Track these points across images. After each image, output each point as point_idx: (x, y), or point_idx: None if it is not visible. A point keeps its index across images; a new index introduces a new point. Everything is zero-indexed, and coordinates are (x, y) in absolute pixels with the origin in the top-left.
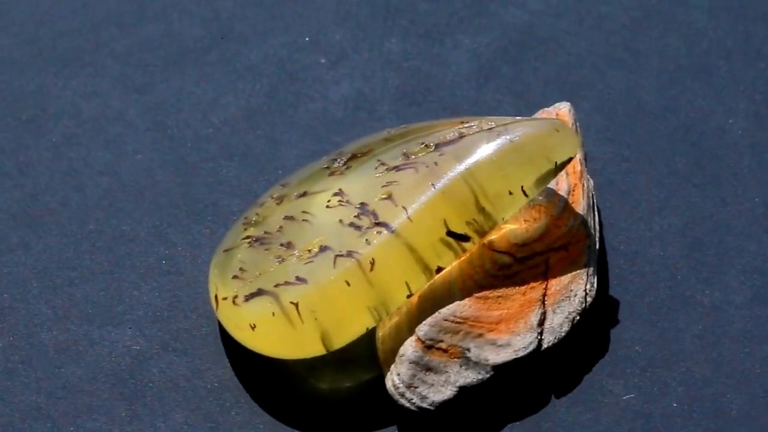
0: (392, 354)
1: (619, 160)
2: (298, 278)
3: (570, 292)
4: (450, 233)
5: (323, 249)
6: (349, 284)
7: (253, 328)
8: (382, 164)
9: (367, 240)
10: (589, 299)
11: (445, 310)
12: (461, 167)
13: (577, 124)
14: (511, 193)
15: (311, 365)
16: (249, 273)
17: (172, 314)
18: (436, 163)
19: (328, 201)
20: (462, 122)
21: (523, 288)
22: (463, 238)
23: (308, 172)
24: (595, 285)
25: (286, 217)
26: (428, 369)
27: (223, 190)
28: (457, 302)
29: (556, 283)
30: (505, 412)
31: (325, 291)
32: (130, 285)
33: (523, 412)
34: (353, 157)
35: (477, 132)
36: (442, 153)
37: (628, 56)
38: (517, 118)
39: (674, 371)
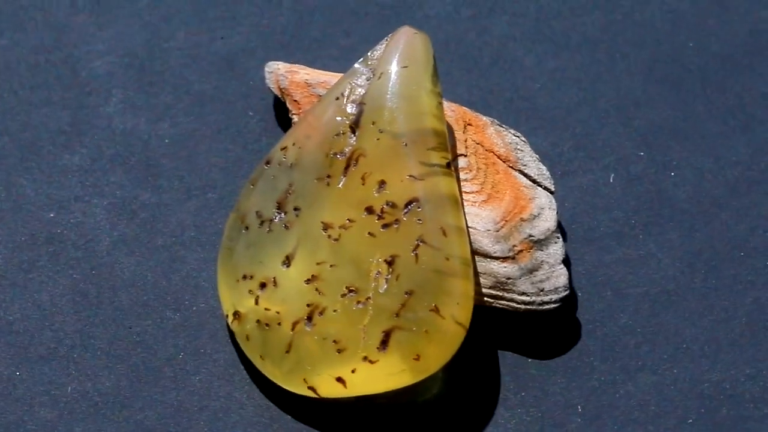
0: (489, 288)
1: None
2: (407, 293)
3: (511, 145)
4: (448, 164)
5: (392, 261)
6: (448, 259)
7: (417, 359)
8: (327, 177)
9: (418, 220)
10: (524, 139)
11: (487, 224)
12: (401, 116)
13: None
14: (440, 103)
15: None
16: (352, 335)
17: None
18: (380, 131)
19: (329, 236)
20: (337, 98)
21: (492, 169)
22: (454, 161)
23: (252, 253)
24: (511, 128)
25: (308, 281)
26: (531, 271)
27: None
28: (481, 213)
29: (498, 148)
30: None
31: (442, 281)
32: None
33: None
34: (281, 203)
35: (369, 86)
36: (372, 123)
37: None
38: (373, 54)
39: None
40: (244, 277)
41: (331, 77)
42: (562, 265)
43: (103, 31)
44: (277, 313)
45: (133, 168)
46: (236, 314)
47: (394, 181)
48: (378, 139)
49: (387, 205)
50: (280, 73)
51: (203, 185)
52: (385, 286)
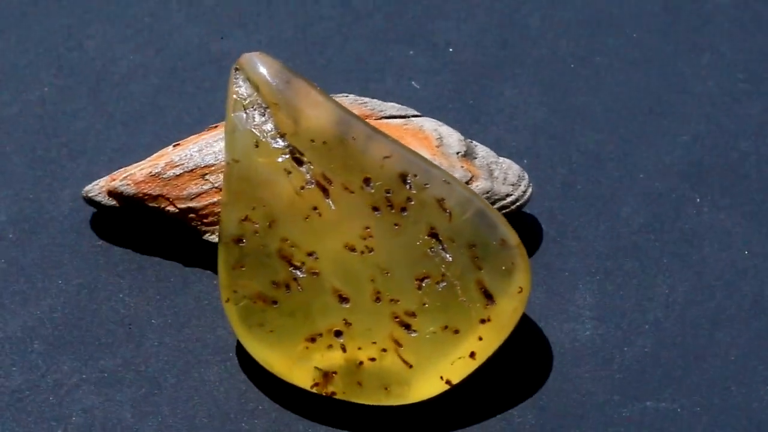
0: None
1: None
2: (471, 246)
3: (355, 103)
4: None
5: (433, 232)
6: (470, 200)
7: (521, 291)
8: (314, 210)
9: (425, 185)
10: (354, 95)
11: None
12: (324, 122)
13: None
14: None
15: None
16: (456, 312)
17: None
18: (324, 143)
19: (361, 253)
20: (257, 146)
21: (400, 123)
22: None
23: (301, 317)
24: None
25: (377, 300)
26: (491, 175)
27: None
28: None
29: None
30: None
31: (485, 219)
32: None
33: None
34: (291, 259)
35: (274, 118)
36: (311, 141)
37: None
38: (241, 94)
39: None
40: (312, 339)
41: (166, 156)
42: (501, 157)
43: None
44: (373, 343)
45: (59, 349)
46: (326, 375)
47: (375, 172)
48: (329, 151)
49: (387, 193)
50: (115, 186)
51: (127, 327)
52: (448, 255)
